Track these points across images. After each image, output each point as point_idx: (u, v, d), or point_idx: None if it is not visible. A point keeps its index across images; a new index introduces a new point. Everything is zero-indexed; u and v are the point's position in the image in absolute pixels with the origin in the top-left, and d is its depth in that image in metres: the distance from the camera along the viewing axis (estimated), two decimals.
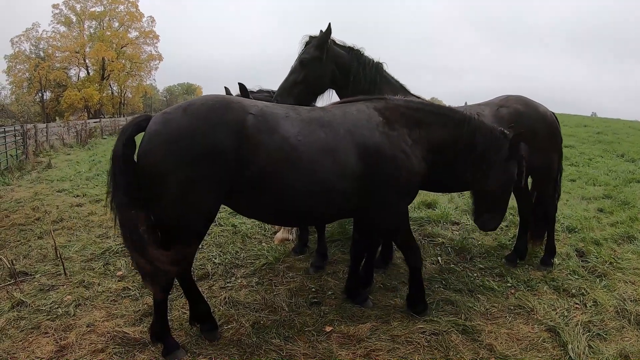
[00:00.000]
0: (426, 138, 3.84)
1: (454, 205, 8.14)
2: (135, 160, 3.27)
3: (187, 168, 3.14)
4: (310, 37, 4.79)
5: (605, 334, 3.91)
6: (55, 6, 49.00)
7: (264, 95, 5.31)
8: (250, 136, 3.28)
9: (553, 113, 5.20)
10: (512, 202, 7.36)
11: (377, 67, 4.88)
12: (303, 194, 3.46)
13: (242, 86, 5.13)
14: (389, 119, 3.78)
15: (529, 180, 5.55)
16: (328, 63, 4.69)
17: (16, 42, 48.33)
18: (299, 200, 3.49)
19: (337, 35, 4.81)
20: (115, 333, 3.82)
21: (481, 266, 5.38)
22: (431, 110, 3.95)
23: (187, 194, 3.17)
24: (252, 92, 5.29)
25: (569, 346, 3.68)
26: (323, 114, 3.69)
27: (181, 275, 3.66)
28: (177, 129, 3.17)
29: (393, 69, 5.03)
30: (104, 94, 50.91)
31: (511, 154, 3.87)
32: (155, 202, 3.28)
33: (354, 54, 4.84)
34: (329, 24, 4.65)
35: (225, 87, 5.57)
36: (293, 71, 4.73)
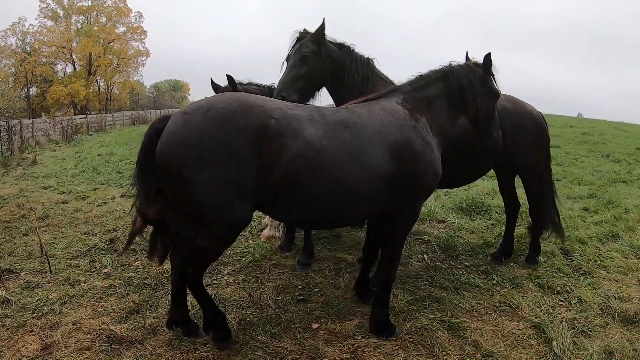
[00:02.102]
0: (436, 115, 3.79)
1: (440, 203, 8.19)
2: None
3: (204, 173, 2.96)
4: (301, 33, 4.67)
5: (590, 331, 3.96)
6: (42, 0, 48.46)
7: (254, 88, 5.30)
8: (273, 141, 3.08)
9: (540, 113, 5.25)
10: (499, 200, 7.48)
11: (369, 63, 4.81)
12: (330, 200, 3.28)
13: (230, 78, 5.10)
14: (411, 109, 3.67)
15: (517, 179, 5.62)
16: (325, 58, 4.58)
17: (2, 36, 47.79)
18: (325, 206, 3.32)
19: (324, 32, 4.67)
20: (101, 331, 3.79)
21: (467, 264, 5.43)
22: (429, 80, 3.87)
23: (205, 201, 3.03)
24: (241, 84, 5.27)
25: (554, 342, 3.72)
26: (348, 115, 3.46)
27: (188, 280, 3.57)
28: (195, 132, 2.98)
29: (381, 64, 4.97)
30: (91, 90, 50.36)
31: (486, 71, 3.93)
32: (172, 206, 3.20)
33: (345, 50, 4.74)
34: (323, 19, 4.56)
35: (211, 79, 5.52)
36: (294, 66, 4.51)
